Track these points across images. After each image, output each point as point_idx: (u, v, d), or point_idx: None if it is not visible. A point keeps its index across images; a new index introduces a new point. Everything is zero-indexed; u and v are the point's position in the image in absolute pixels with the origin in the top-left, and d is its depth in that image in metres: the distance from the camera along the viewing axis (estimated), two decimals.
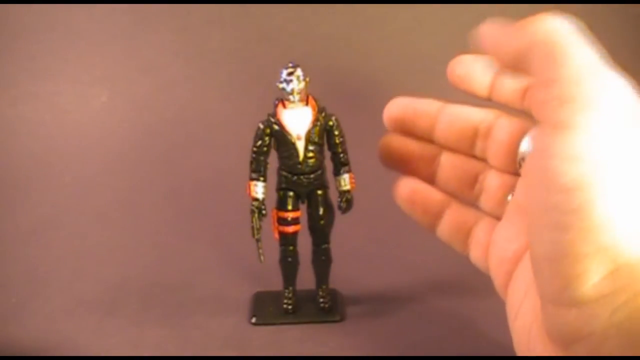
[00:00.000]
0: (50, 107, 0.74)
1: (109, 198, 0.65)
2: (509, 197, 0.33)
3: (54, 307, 0.46)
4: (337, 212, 0.44)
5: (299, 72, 0.41)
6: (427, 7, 0.73)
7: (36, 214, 0.62)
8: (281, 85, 0.41)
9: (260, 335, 0.43)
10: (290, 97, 0.41)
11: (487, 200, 0.34)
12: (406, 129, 0.35)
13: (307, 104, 0.42)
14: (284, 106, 0.42)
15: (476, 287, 0.39)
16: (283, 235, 0.44)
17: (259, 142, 0.42)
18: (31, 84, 0.74)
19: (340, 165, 0.43)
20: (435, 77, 0.74)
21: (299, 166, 0.42)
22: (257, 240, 0.43)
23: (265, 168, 0.43)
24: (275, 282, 0.46)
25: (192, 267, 0.52)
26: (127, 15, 0.74)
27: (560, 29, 0.25)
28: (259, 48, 0.74)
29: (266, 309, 0.46)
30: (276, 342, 0.42)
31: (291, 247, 0.44)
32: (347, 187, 0.43)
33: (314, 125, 0.41)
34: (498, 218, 0.33)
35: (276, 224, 0.43)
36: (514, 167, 0.32)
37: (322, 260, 0.45)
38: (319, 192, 0.43)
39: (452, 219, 0.35)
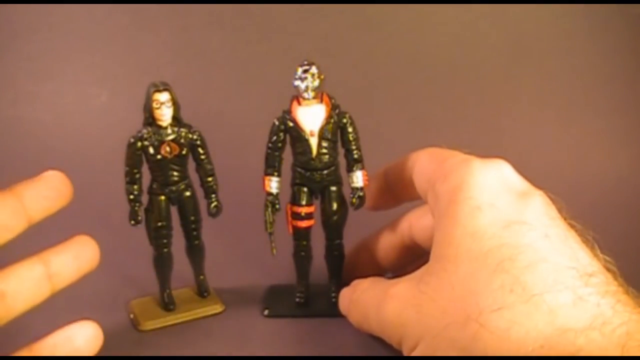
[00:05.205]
0: (50, 107, 0.74)
1: (109, 198, 0.65)
2: None
3: (54, 307, 0.46)
4: (350, 209, 0.44)
5: (313, 69, 0.41)
6: (427, 7, 0.73)
7: None
8: (296, 83, 0.41)
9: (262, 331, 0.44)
10: (305, 94, 0.41)
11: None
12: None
13: (321, 101, 0.42)
14: (299, 103, 0.42)
15: None
16: (296, 230, 0.44)
17: (274, 138, 0.43)
18: (31, 84, 0.74)
19: (354, 162, 0.43)
20: (435, 78, 0.74)
21: (312, 162, 0.42)
22: (270, 234, 0.43)
23: (280, 163, 0.43)
24: (290, 276, 0.46)
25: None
26: (127, 15, 0.74)
27: None
28: (259, 48, 0.74)
29: (279, 301, 0.46)
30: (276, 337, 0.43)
31: (304, 242, 0.45)
32: (360, 184, 0.43)
33: (327, 122, 0.42)
34: None
35: (290, 218, 0.44)
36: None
37: (334, 255, 0.45)
38: (333, 188, 0.44)
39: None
